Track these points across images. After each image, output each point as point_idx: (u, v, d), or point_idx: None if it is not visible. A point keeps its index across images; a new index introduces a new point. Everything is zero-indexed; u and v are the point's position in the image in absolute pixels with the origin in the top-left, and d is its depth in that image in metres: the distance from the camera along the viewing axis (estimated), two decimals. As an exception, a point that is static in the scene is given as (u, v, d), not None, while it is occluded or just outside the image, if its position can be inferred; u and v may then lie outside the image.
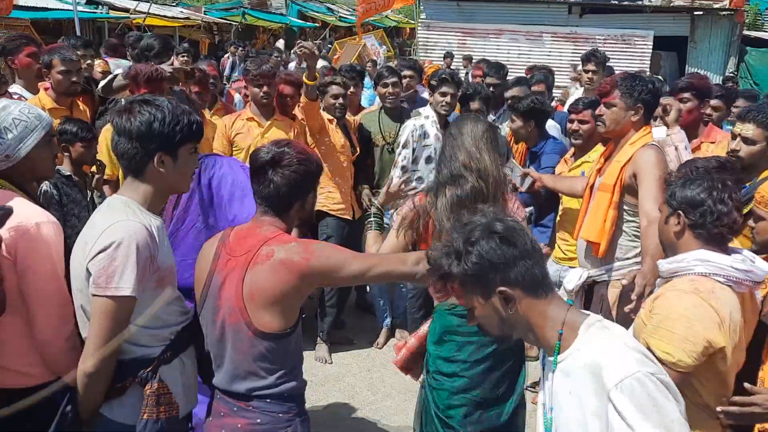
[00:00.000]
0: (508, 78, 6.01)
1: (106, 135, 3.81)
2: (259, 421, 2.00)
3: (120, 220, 1.92)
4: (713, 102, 4.50)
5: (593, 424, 1.49)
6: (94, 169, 3.59)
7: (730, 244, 2.40)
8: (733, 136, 3.29)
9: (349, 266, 2.00)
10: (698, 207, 2.08)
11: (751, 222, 2.42)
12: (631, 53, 13.58)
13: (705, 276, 2.03)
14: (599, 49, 6.11)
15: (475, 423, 2.65)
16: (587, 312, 1.66)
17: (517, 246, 1.56)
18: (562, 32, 14.05)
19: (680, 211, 2.12)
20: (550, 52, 13.76)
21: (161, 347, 2.06)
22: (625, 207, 3.12)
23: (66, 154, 3.36)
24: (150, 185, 2.03)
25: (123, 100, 5.05)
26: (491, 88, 5.77)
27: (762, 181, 3.05)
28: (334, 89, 4.63)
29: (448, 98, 4.40)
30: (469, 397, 2.65)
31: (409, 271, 2.08)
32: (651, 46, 13.65)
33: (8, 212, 1.80)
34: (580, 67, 6.00)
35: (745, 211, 2.49)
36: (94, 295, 1.90)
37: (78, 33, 9.92)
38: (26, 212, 2.05)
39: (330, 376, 4.34)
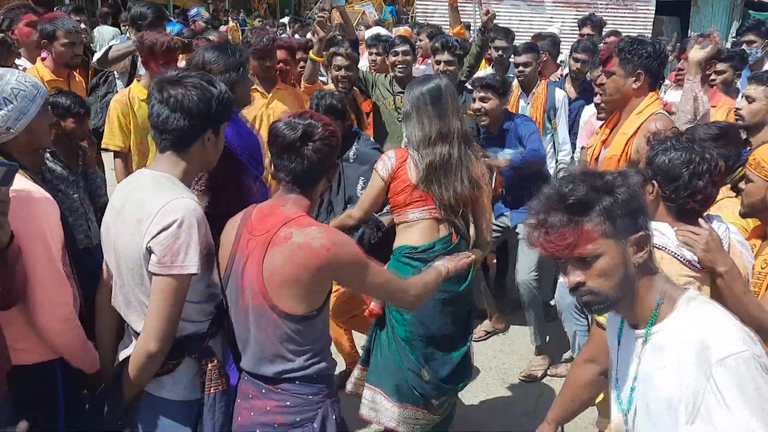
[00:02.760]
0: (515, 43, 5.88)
1: (116, 106, 3.72)
2: (288, 403, 1.96)
3: (175, 198, 1.88)
4: (718, 66, 4.44)
5: (687, 402, 1.44)
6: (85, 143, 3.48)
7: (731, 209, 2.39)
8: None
9: (364, 275, 1.98)
10: (673, 181, 2.05)
11: (741, 184, 2.38)
12: (633, 18, 13.37)
13: (657, 248, 1.99)
14: (596, 13, 6.06)
15: (430, 358, 2.93)
16: (684, 286, 1.61)
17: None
18: (563, -3, 13.81)
19: (654, 181, 2.08)
20: (551, 17, 13.52)
21: (208, 322, 2.05)
22: None
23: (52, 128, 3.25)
24: (191, 161, 1.99)
25: (116, 72, 4.98)
26: (500, 52, 5.67)
27: (759, 144, 3.05)
28: (338, 60, 4.56)
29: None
30: (424, 332, 2.90)
31: (408, 300, 2.14)
32: (653, 11, 13.44)
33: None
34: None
35: (740, 173, 2.47)
36: (156, 274, 1.86)
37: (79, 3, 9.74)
38: (18, 189, 1.97)
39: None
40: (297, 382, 1.97)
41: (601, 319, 2.08)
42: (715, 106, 3.95)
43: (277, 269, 1.88)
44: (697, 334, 1.45)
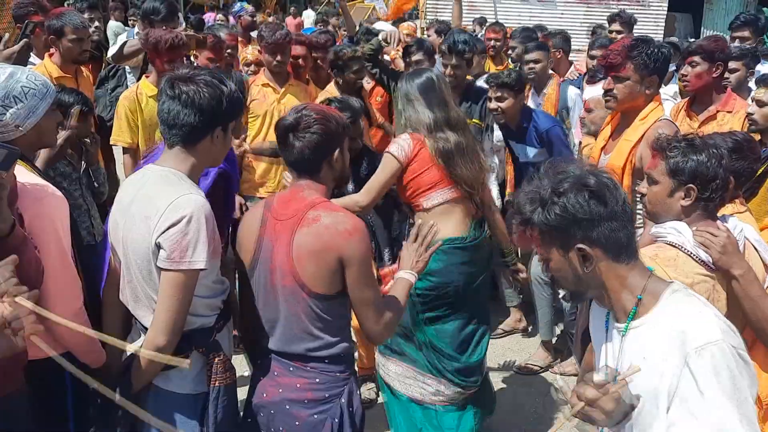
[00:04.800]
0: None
1: (123, 103, 3.74)
2: (318, 380, 2.07)
3: (183, 194, 1.91)
4: (730, 64, 4.22)
5: (666, 390, 1.46)
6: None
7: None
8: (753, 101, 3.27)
9: (366, 275, 2.02)
10: (711, 182, 2.04)
11: None
12: (646, 15, 13.21)
13: (674, 246, 2.02)
14: (615, 10, 5.99)
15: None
16: (672, 280, 1.61)
17: (607, 205, 1.49)
18: (574, -7, 13.69)
19: (692, 186, 2.05)
20: (562, 14, 13.42)
21: (215, 316, 2.08)
22: (637, 196, 2.70)
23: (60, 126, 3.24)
24: (198, 158, 2.02)
25: (128, 67, 4.99)
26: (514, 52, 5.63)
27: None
28: (355, 66, 4.52)
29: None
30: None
31: (382, 324, 2.07)
32: (666, 8, 13.28)
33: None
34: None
35: (760, 171, 2.44)
36: (165, 270, 1.89)
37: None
38: (29, 185, 1.99)
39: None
40: (326, 361, 2.08)
41: None
42: (731, 112, 3.68)
43: (304, 249, 1.99)
44: (677, 324, 1.48)
